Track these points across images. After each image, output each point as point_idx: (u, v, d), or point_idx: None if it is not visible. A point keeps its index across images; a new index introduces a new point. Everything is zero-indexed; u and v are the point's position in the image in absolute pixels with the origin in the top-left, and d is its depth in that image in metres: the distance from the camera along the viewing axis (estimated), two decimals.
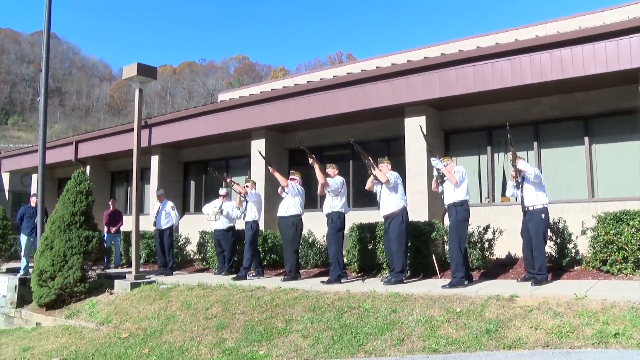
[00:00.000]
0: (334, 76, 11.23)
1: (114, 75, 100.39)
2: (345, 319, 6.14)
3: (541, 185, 6.95)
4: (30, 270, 10.08)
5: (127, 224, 12.75)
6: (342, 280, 7.85)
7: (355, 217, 9.58)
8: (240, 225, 10.06)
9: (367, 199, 10.56)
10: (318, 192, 8.39)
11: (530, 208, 6.89)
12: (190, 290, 8.33)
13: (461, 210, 7.09)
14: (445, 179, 7.28)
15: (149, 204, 14.52)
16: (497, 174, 10.29)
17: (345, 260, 8.47)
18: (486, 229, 8.20)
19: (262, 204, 9.95)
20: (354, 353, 5.36)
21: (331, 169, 8.32)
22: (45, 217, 10.47)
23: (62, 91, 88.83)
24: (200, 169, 15.12)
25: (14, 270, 11.56)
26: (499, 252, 8.54)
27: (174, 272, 10.59)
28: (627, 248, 6.86)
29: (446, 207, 7.31)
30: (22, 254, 11.28)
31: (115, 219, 12.74)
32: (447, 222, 7.69)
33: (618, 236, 6.93)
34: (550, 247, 7.58)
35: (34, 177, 18.71)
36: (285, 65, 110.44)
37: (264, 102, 11.92)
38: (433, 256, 7.93)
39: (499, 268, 8.12)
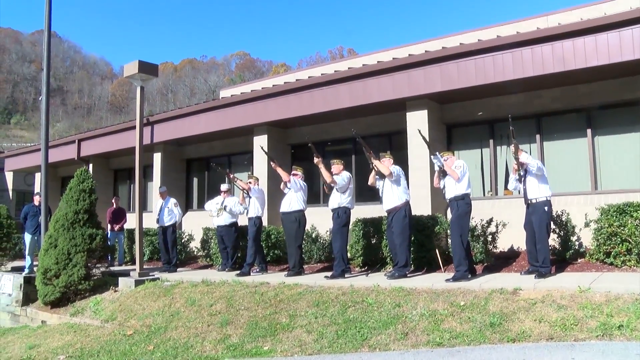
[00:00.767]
0: (335, 71, 11.20)
1: (115, 74, 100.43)
2: (349, 314, 6.15)
3: (544, 177, 6.93)
4: (35, 269, 10.12)
5: (131, 221, 12.78)
6: (345, 275, 7.86)
7: (359, 212, 9.58)
8: (243, 221, 10.08)
9: (369, 194, 10.56)
10: (325, 191, 8.38)
11: (534, 201, 6.88)
12: (194, 286, 8.35)
13: (462, 204, 7.08)
14: (447, 174, 7.26)
15: (152, 202, 14.54)
16: (499, 167, 10.27)
17: (348, 255, 8.48)
18: (489, 222, 8.19)
19: (265, 199, 9.96)
20: (358, 348, 5.37)
21: (336, 165, 8.26)
22: (48, 216, 10.50)
23: (64, 90, 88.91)
24: (203, 165, 15.14)
25: (19, 269, 11.60)
26: (502, 245, 8.54)
27: (177, 269, 10.64)
28: (630, 240, 6.85)
29: (448, 201, 7.31)
30: (27, 252, 11.32)
31: (118, 216, 12.77)
32: (449, 216, 7.68)
33: (621, 228, 6.92)
34: (553, 240, 7.57)
35: (37, 176, 18.76)
36: (287, 61, 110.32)
37: (265, 98, 11.92)
38: (436, 250, 7.93)
39: (502, 261, 8.12)
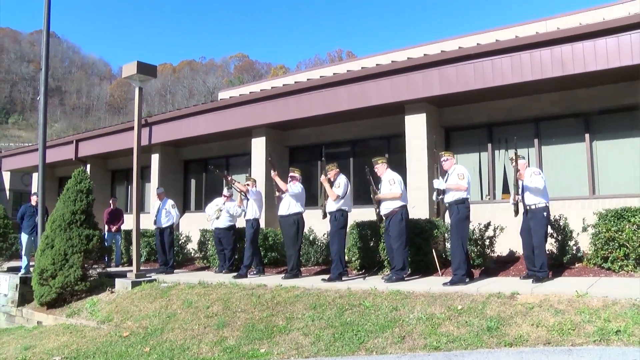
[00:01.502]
0: (334, 74, 11.22)
1: (114, 74, 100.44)
2: (346, 317, 6.14)
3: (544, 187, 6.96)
4: (31, 269, 10.09)
5: (128, 222, 12.76)
6: (343, 278, 7.84)
7: (356, 215, 9.57)
8: (240, 223, 10.06)
9: (367, 197, 10.49)
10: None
11: (532, 207, 6.88)
12: (191, 288, 8.33)
13: (462, 208, 7.06)
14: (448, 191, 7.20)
15: (150, 203, 14.52)
16: (497, 171, 10.27)
17: (346, 257, 8.46)
18: (487, 226, 8.18)
19: (262, 201, 9.95)
20: (355, 351, 5.35)
21: (332, 171, 8.17)
22: (45, 216, 10.47)
23: (62, 90, 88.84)
24: (201, 167, 15.11)
25: (15, 269, 11.56)
26: (500, 249, 8.53)
27: (174, 271, 10.60)
28: (628, 245, 6.85)
29: (447, 205, 7.29)
30: (23, 252, 11.28)
31: (115, 217, 12.74)
32: (447, 220, 7.68)
33: (619, 233, 6.92)
34: (551, 244, 7.57)
35: (35, 176, 18.70)
36: (286, 63, 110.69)
37: (264, 100, 11.91)
38: (434, 253, 7.92)
39: (500, 265, 8.12)
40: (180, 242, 12.18)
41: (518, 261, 8.16)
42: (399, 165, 9.95)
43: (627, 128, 9.00)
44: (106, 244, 11.58)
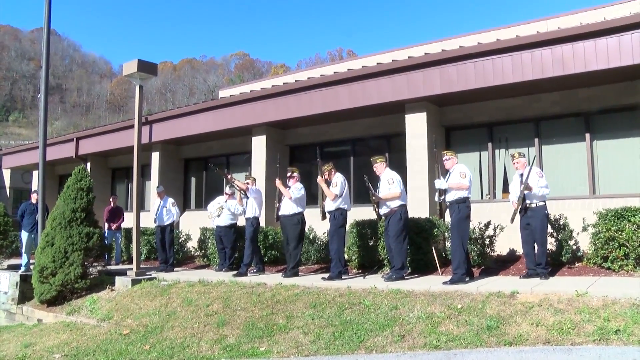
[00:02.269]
0: (334, 72, 11.20)
1: (114, 72, 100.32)
2: (346, 316, 6.14)
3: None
4: (32, 267, 10.09)
5: (128, 220, 12.76)
6: (342, 277, 7.85)
7: (356, 214, 9.57)
8: (240, 221, 10.07)
9: (367, 196, 10.53)
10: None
11: (533, 205, 6.90)
12: (191, 286, 8.34)
13: (463, 207, 7.07)
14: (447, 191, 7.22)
15: (150, 201, 14.52)
16: (498, 170, 10.27)
17: (345, 256, 8.47)
18: (487, 225, 8.19)
19: (262, 200, 9.95)
20: (355, 349, 5.36)
21: (327, 170, 8.16)
22: (46, 214, 10.48)
23: (63, 88, 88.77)
24: (201, 165, 15.11)
25: (15, 267, 11.58)
26: (500, 248, 8.53)
27: (174, 269, 10.61)
28: (628, 244, 6.86)
29: (447, 204, 7.29)
30: (23, 250, 11.29)
31: (116, 215, 12.75)
32: (447, 218, 7.68)
33: (619, 233, 6.93)
34: (551, 244, 7.58)
35: (35, 173, 18.72)
36: (286, 62, 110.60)
37: (264, 98, 11.91)
38: (434, 252, 7.93)
39: (499, 264, 8.13)
40: (180, 241, 12.18)
41: (518, 260, 8.17)
42: (399, 164, 9.96)
43: (628, 128, 9.00)
44: (106, 242, 11.59)
